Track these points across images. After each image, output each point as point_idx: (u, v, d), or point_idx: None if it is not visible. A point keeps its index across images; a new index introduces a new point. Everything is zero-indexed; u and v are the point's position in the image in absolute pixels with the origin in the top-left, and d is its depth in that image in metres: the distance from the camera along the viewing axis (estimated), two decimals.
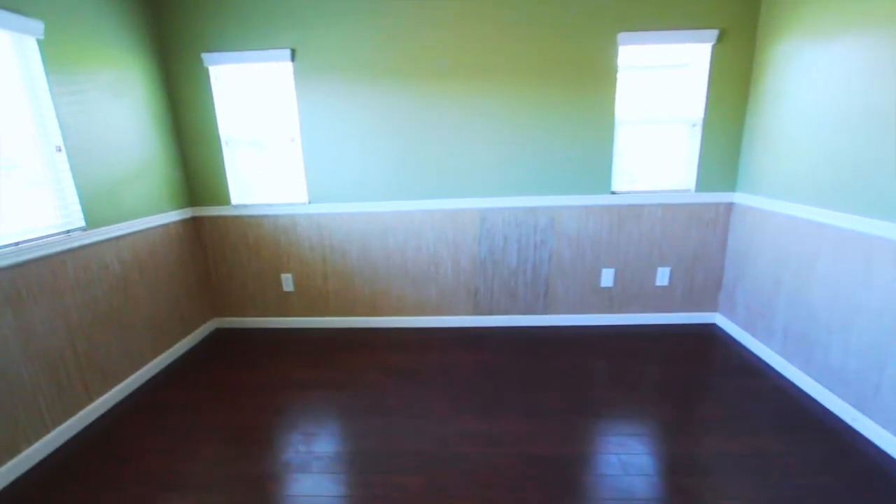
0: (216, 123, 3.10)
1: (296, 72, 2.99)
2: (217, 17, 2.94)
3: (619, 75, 2.91)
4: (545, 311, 3.40)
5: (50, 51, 2.21)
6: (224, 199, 3.25)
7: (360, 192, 3.20)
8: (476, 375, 2.72)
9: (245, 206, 3.24)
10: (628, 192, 3.13)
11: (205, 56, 2.98)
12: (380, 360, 2.95)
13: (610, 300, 3.35)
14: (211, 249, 3.38)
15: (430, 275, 3.35)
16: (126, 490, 1.88)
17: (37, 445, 2.08)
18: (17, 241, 2.03)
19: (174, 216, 3.08)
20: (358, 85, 3.01)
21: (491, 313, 3.42)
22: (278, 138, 3.14)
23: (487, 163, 3.10)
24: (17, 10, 2.03)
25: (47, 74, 2.19)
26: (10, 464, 1.95)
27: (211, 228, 3.32)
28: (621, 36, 2.83)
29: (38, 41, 2.15)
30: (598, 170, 3.08)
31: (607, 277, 3.29)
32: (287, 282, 3.40)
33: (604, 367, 2.77)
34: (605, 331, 3.29)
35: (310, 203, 3.22)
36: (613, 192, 3.14)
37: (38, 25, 2.13)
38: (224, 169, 3.19)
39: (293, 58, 2.97)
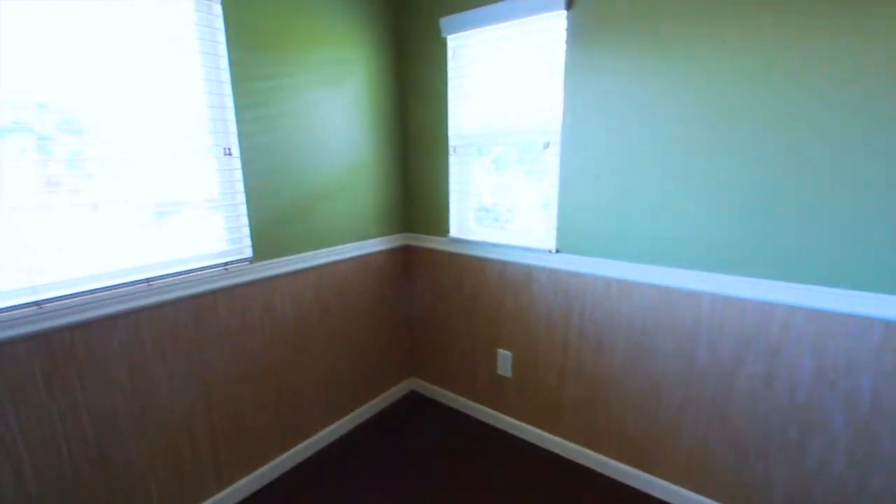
0: (446, 121, 2.16)
1: (571, 30, 1.71)
2: None
3: None
4: None
5: (235, 19, 1.62)
6: (441, 227, 2.30)
7: (653, 249, 1.68)
8: None
9: (465, 241, 2.21)
10: None
11: (443, 22, 2.04)
12: None
13: None
14: (419, 292, 2.52)
15: (786, 443, 1.54)
16: None
17: None
18: (148, 276, 1.50)
19: (378, 244, 2.32)
20: (683, 43, 1.49)
21: None
22: (526, 144, 1.95)
23: None
24: None
25: (229, 52, 1.61)
26: None
27: (423, 264, 2.45)
28: None
29: (223, 3, 1.57)
30: None
31: None
32: (504, 362, 2.21)
33: None
34: None
35: (557, 252, 1.91)
36: None
37: None
38: (447, 185, 2.23)
39: (569, 4, 1.70)
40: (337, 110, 2.00)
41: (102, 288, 1.39)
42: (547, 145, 1.85)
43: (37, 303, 1.28)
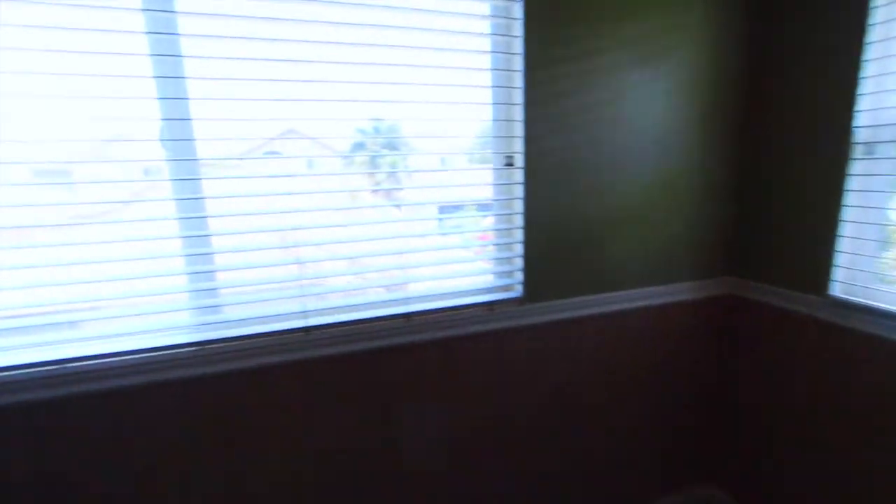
0: (850, 101, 1.25)
1: None
2: None
3: None
4: None
5: None
6: (809, 274, 1.39)
7: None
8: None
9: (874, 310, 1.25)
10: None
11: None
12: None
13: None
14: (744, 370, 1.65)
15: None
16: None
17: None
18: (408, 311, 1.25)
19: (686, 291, 1.58)
20: None
21: None
22: None
23: None
24: None
25: (525, 29, 1.22)
26: None
27: (761, 330, 1.58)
28: None
29: None
30: None
31: None
32: None
33: None
34: None
35: None
36: None
37: None
38: (837, 207, 1.31)
39: None
40: (654, 98, 1.40)
41: (366, 319, 1.22)
42: None
43: (306, 328, 1.17)
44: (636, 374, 1.58)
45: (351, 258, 1.34)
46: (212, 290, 1.15)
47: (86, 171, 1.07)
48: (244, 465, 1.18)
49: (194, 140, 1.07)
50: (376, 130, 1.26)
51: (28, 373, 0.99)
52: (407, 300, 1.27)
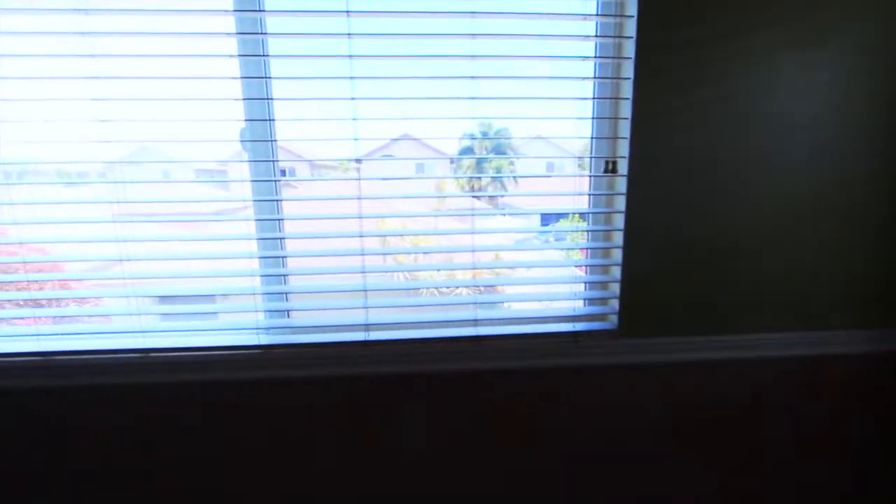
0: None
1: None
2: None
3: None
4: None
5: None
6: None
7: None
8: None
9: None
10: None
11: None
12: None
13: None
14: None
15: None
16: None
17: None
18: (478, 334, 1.11)
19: (847, 342, 1.19)
20: None
21: None
22: None
23: None
24: None
25: (640, 6, 1.00)
26: None
27: None
28: None
29: None
30: None
31: None
32: None
33: None
34: None
35: None
36: None
37: None
38: None
39: None
40: (815, 90, 1.07)
41: (429, 339, 1.11)
42: None
43: (365, 342, 1.10)
44: (758, 448, 1.25)
45: (438, 269, 1.27)
46: (281, 294, 1.13)
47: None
48: (283, 475, 1.15)
49: (275, 140, 1.06)
50: (483, 135, 1.15)
51: (118, 358, 1.05)
52: (478, 321, 1.13)
